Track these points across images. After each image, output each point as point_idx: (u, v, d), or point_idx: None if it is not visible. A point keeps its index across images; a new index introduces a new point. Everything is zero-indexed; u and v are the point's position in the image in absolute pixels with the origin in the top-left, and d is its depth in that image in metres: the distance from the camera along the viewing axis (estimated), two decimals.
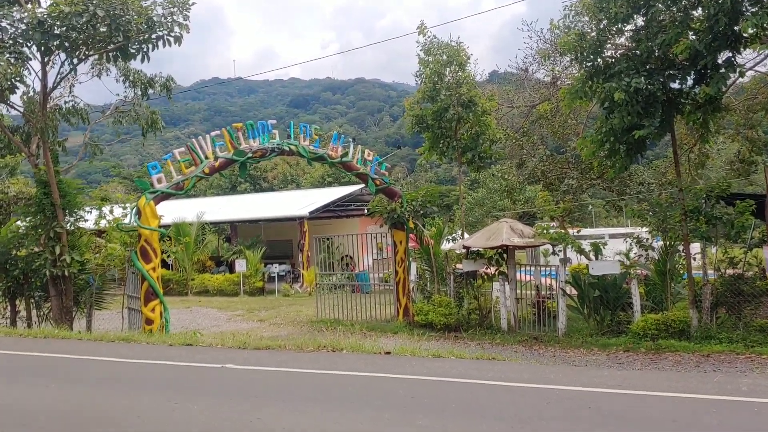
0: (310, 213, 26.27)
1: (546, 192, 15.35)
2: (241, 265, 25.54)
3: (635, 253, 15.08)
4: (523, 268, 19.78)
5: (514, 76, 21.80)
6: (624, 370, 8.39)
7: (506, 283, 14.20)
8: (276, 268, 26.16)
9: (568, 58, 19.81)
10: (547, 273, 15.38)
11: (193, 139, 13.32)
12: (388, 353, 7.72)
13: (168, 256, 28.33)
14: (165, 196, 12.81)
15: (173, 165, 13.02)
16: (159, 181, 12.73)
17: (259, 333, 16.08)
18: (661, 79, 11.16)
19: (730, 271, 12.74)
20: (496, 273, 15.09)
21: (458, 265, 15.46)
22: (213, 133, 13.56)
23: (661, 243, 13.90)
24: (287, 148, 14.24)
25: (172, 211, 29.28)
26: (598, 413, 5.38)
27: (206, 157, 13.17)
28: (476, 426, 5.07)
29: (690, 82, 11.52)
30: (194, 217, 27.85)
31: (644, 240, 13.36)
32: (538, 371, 7.27)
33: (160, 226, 12.96)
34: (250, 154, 13.63)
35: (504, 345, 12.82)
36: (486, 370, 6.98)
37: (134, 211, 12.90)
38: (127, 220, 14.26)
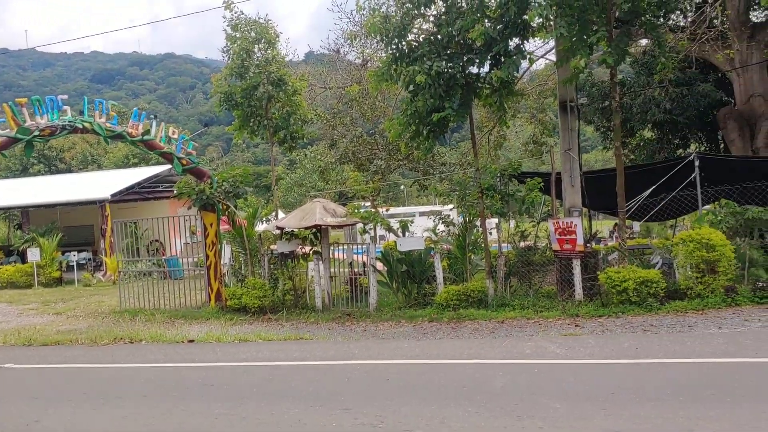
0: (113, 195, 24.44)
1: (357, 172, 15.65)
2: (34, 254, 23.14)
3: (441, 230, 15.96)
4: (339, 247, 20.12)
5: (327, 57, 21.93)
6: (426, 340, 8.82)
7: (320, 262, 14.29)
8: (75, 256, 24.03)
9: (376, 41, 20.42)
10: (362, 251, 15.74)
11: None
12: (192, 341, 7.36)
13: None
14: None
15: None
16: None
17: (55, 327, 14.65)
18: (461, 64, 11.78)
19: (522, 244, 13.97)
20: (311, 253, 15.14)
21: (273, 246, 15.27)
22: None
23: (456, 218, 14.88)
24: (80, 126, 13.02)
25: None
26: (396, 385, 5.56)
27: None
28: (274, 408, 4.99)
29: (486, 67, 12.28)
30: None
31: (447, 217, 14.18)
32: (343, 347, 7.36)
33: None
34: (36, 133, 12.29)
35: (318, 323, 12.90)
36: (292, 351, 6.93)
37: None
38: None
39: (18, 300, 20.21)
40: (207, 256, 15.45)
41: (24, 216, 28.63)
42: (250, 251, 15.34)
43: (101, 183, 27.45)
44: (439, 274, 13.10)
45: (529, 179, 13.05)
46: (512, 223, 14.96)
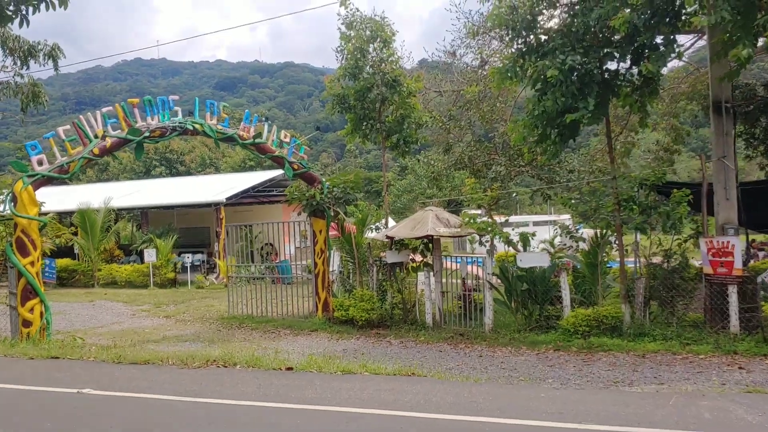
0: (227, 199, 24.67)
1: (473, 179, 14.47)
2: (150, 255, 23.72)
3: (560, 242, 14.46)
4: (449, 257, 19.02)
5: (442, 64, 20.86)
6: (565, 389, 7.36)
7: (431, 275, 13.28)
8: (189, 258, 24.42)
9: (496, 42, 19.14)
10: (473, 261, 14.59)
11: (81, 116, 11.67)
12: (290, 369, 6.52)
13: (70, 245, 26.24)
14: (46, 180, 11.18)
15: (57, 145, 11.38)
16: (40, 163, 11.09)
17: (162, 332, 14.62)
18: (598, 58, 10.38)
19: (658, 263, 12.25)
20: (421, 264, 14.17)
21: (382, 254, 14.43)
22: (104, 109, 11.94)
23: (584, 231, 13.28)
24: (191, 128, 12.76)
25: (78, 197, 27.06)
26: None
27: (96, 136, 11.58)
28: None
29: (627, 63, 10.79)
30: (101, 203, 25.69)
31: (573, 229, 12.71)
32: (464, 392, 6.19)
33: (40, 214, 11.31)
34: (147, 134, 12.11)
35: (428, 343, 11.88)
36: (403, 392, 5.89)
37: (9, 197, 11.19)
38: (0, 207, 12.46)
39: (133, 300, 20.65)
40: (315, 264, 14.86)
41: (143, 217, 29.66)
42: (359, 260, 14.57)
43: (217, 186, 27.90)
44: (566, 295, 11.68)
45: (675, 190, 11.36)
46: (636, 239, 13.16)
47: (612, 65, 11.17)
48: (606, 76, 10.84)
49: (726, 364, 8.73)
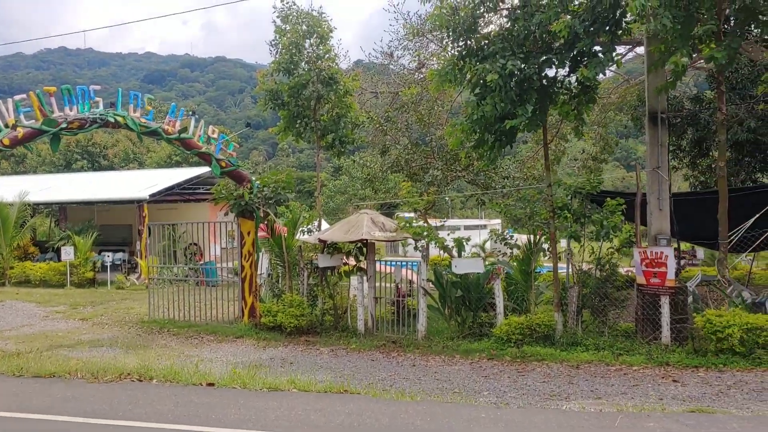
0: (151, 196, 23.51)
1: (409, 182, 14.15)
2: (67, 253, 22.29)
3: (490, 247, 14.37)
4: (382, 260, 18.70)
5: (379, 64, 20.51)
6: (500, 406, 7.02)
7: (364, 280, 12.89)
8: (109, 257, 23.14)
9: (434, 45, 18.96)
10: (407, 264, 14.31)
11: None
12: (212, 385, 5.94)
13: None
14: None
15: None
16: None
17: (77, 336, 13.65)
18: (537, 64, 10.24)
19: (587, 270, 12.28)
20: (354, 268, 13.75)
21: (314, 258, 13.92)
22: (17, 97, 10.95)
23: (516, 236, 13.21)
24: (112, 120, 11.90)
25: None
26: None
27: (6, 126, 10.60)
28: None
29: (566, 69, 10.72)
30: (15, 197, 24.01)
31: (507, 235, 12.60)
32: (399, 411, 5.79)
33: None
34: (64, 125, 11.18)
35: (360, 351, 11.48)
36: (335, 413, 5.45)
37: None
38: None
39: (48, 301, 19.35)
40: (242, 267, 14.21)
41: (62, 212, 28.01)
42: (289, 264, 14.02)
43: (141, 182, 26.60)
44: (500, 303, 11.52)
45: (608, 199, 11.39)
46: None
47: (551, 72, 11.11)
48: (544, 82, 10.74)
49: (660, 376, 8.71)
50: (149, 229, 21.95)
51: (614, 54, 10.16)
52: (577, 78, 10.68)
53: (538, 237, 11.84)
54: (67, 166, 46.99)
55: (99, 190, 26.73)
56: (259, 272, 15.81)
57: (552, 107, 11.17)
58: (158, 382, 6.15)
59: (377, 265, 14.47)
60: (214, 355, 11.44)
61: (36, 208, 29.54)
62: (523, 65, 10.08)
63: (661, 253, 10.35)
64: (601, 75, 10.48)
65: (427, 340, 11.89)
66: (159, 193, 24.33)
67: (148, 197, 23.50)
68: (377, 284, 13.55)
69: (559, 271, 11.73)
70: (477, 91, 10.75)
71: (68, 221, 27.11)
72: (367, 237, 12.18)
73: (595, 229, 11.15)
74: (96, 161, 49.97)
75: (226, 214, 14.22)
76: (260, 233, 14.79)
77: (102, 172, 38.61)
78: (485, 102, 10.31)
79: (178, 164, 41.20)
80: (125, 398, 5.68)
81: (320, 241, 13.14)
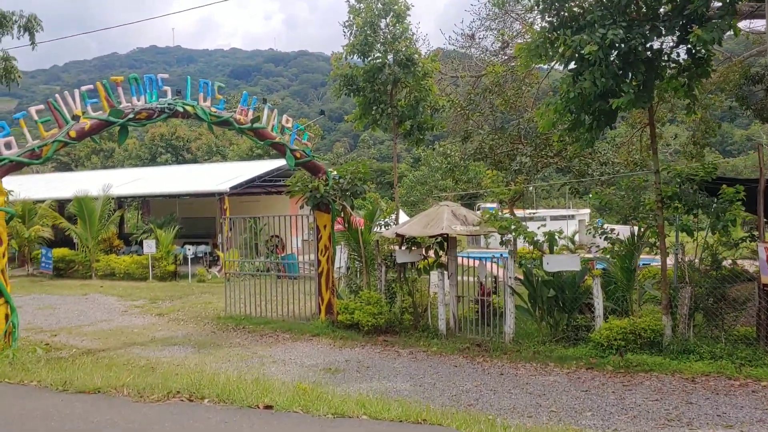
0: (231, 188, 23.40)
1: (494, 171, 12.98)
2: (149, 246, 22.53)
3: (593, 244, 13.05)
4: (463, 252, 17.66)
5: (460, 47, 19.34)
6: (604, 419, 5.97)
7: (446, 277, 11.95)
8: (190, 250, 23.22)
9: (518, 25, 17.66)
10: (491, 258, 13.25)
11: (57, 95, 10.39)
12: (269, 408, 5.20)
13: (68, 234, 25.16)
14: (14, 165, 9.93)
15: (29, 127, 10.15)
16: (8, 146, 9.86)
17: (152, 333, 13.45)
18: (642, 33, 8.94)
19: (701, 268, 10.83)
20: (434, 263, 12.83)
21: (393, 251, 13.11)
22: (84, 88, 10.64)
23: (609, 227, 11.83)
24: (181, 109, 11.44)
25: (76, 184, 25.94)
26: None
27: (73, 118, 10.31)
28: None
29: (674, 39, 9.34)
30: (100, 191, 24.53)
31: (608, 229, 11.29)
32: None
33: (7, 204, 10.11)
34: (131, 115, 10.80)
35: (441, 354, 10.57)
36: None
37: None
38: None
39: (129, 294, 19.52)
40: (318, 262, 13.57)
41: (144, 206, 28.52)
42: (366, 259, 13.26)
43: (223, 175, 26.65)
44: (599, 304, 10.30)
45: (724, 186, 9.91)
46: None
47: (656, 44, 9.75)
48: (650, 54, 9.41)
49: None
50: (231, 221, 21.96)
51: (733, 17, 8.72)
52: (687, 48, 9.31)
53: (643, 230, 10.53)
54: (153, 160, 48.39)
55: (181, 183, 27.00)
56: (337, 266, 15.19)
57: (659, 83, 9.80)
58: (209, 402, 5.41)
59: (459, 258, 13.50)
60: (288, 356, 10.84)
61: (122, 201, 30.31)
62: (626, 35, 8.81)
63: None
64: (721, 39, 9.01)
65: (516, 344, 10.82)
66: (239, 185, 24.22)
67: (228, 190, 23.40)
68: (459, 280, 12.59)
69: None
70: (573, 65, 9.55)
71: (151, 214, 27.57)
72: (448, 231, 11.23)
73: (710, 221, 9.72)
74: (180, 154, 51.17)
75: (302, 207, 13.62)
76: (337, 227, 14.14)
77: (185, 165, 39.37)
78: (583, 78, 9.10)
79: (259, 157, 41.39)
80: (170, 423, 4.96)
81: (398, 235, 12.29)
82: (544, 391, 7.98)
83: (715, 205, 9.56)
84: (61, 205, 27.34)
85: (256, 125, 12.42)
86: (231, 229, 21.84)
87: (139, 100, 10.99)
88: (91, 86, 10.66)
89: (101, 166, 48.07)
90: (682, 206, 9.80)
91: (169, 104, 11.33)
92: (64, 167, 48.59)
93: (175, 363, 10.55)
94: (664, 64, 9.61)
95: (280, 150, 12.99)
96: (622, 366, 9.15)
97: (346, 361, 10.32)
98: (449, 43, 19.43)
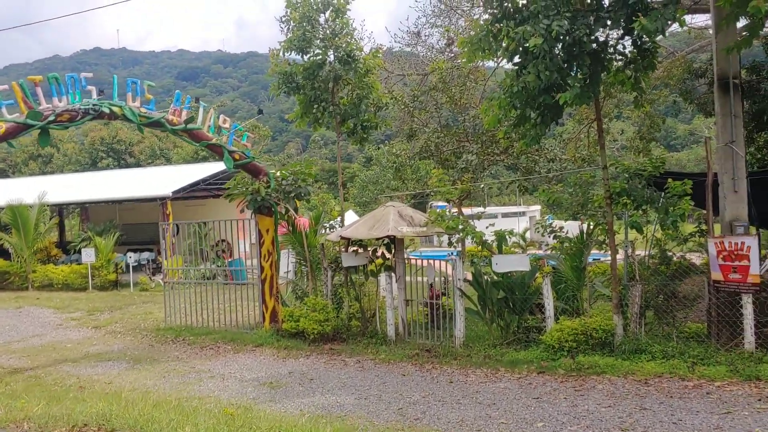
0: (174, 193, 22.50)
1: (440, 169, 12.54)
2: (88, 255, 21.47)
3: (530, 236, 12.78)
4: (416, 251, 17.27)
5: (405, 45, 18.91)
6: (555, 429, 5.61)
7: (393, 280, 11.51)
8: (131, 258, 22.24)
9: (463, 22, 17.34)
10: (444, 256, 12.87)
11: None
12: None
13: (1, 244, 23.83)
14: None
15: None
16: None
17: (87, 347, 12.68)
18: (588, 24, 8.66)
19: (650, 264, 10.67)
20: (381, 267, 12.38)
21: (343, 251, 12.60)
22: None
23: (556, 222, 11.59)
24: (107, 110, 10.69)
25: (12, 191, 24.62)
26: None
27: None
28: None
29: (620, 30, 9.09)
30: (35, 198, 23.28)
31: (555, 225, 11.03)
32: None
33: None
34: (52, 117, 10.01)
35: (389, 362, 10.12)
36: None
37: None
38: None
39: (66, 306, 18.54)
40: (261, 268, 12.96)
41: (83, 212, 27.30)
42: (311, 263, 12.72)
43: (166, 179, 25.67)
44: (549, 305, 10.01)
45: (670, 181, 9.74)
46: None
47: (601, 36, 9.50)
48: (595, 46, 9.15)
49: (754, 397, 7.07)
50: (177, 226, 21.13)
51: (676, 8, 8.51)
52: (633, 39, 9.11)
53: (591, 227, 10.29)
54: (93, 165, 46.56)
55: (121, 188, 25.92)
56: (284, 271, 14.59)
57: (605, 76, 9.55)
58: None
59: (411, 258, 13.08)
60: (227, 370, 10.24)
61: (63, 208, 28.96)
62: (571, 26, 8.51)
63: (743, 243, 8.68)
64: (665, 30, 8.79)
65: (466, 348, 10.46)
66: (183, 189, 23.32)
67: (171, 194, 22.50)
68: (408, 280, 12.18)
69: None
70: (516, 59, 9.21)
71: (91, 221, 26.35)
72: (394, 233, 10.79)
73: (659, 216, 9.53)
74: (122, 158, 49.34)
75: (242, 210, 12.98)
76: (282, 230, 13.56)
77: (127, 170, 37.92)
78: (527, 71, 8.77)
79: (205, 159, 40.24)
80: None
81: (343, 238, 11.79)
82: (495, 400, 7.60)
83: (663, 200, 9.36)
84: None
85: (190, 126, 11.75)
86: (176, 234, 21.03)
87: (60, 101, 10.21)
88: (5, 86, 9.82)
89: (39, 172, 46.08)
90: (630, 202, 9.59)
91: (93, 105, 10.57)
92: (1, 173, 46.46)
93: (107, 381, 9.91)
94: (609, 56, 9.36)
95: (216, 152, 12.33)
96: (573, 369, 8.86)
97: (290, 373, 9.78)
98: (395, 41, 19.03)
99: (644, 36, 8.62)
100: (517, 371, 9.02)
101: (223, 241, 22.96)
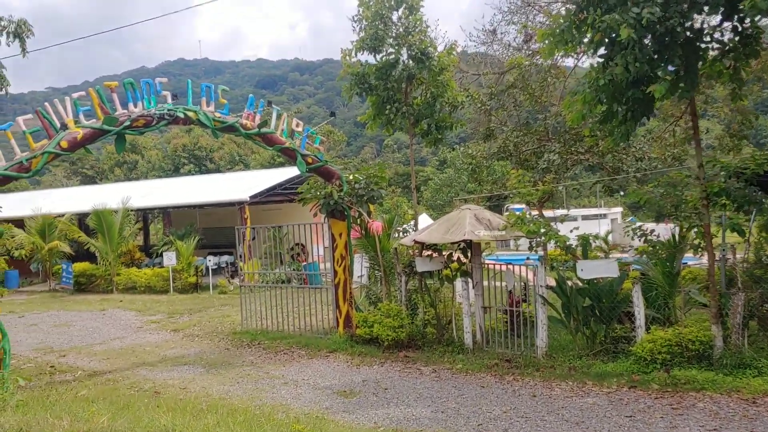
0: (251, 197, 22.82)
1: (520, 170, 11.93)
2: (169, 258, 22.04)
3: (629, 246, 12.02)
4: (493, 254, 16.70)
5: (481, 45, 18.35)
6: None
7: (470, 286, 11.06)
8: (210, 261, 22.67)
9: (542, 17, 16.65)
10: (524, 260, 12.29)
11: (46, 104, 9.76)
12: None
13: (86, 248, 24.83)
14: (1, 180, 9.33)
15: (17, 138, 9.55)
16: None
17: (164, 351, 12.85)
18: (681, 11, 7.96)
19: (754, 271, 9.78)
20: (457, 272, 11.94)
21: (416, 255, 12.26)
22: (76, 95, 10.01)
23: (647, 226, 10.79)
24: (182, 115, 10.75)
25: (98, 197, 25.64)
26: None
27: (65, 127, 9.68)
28: None
29: (719, 16, 8.34)
30: (119, 203, 24.14)
31: (647, 230, 10.29)
32: None
33: None
34: (128, 123, 10.15)
35: (467, 373, 9.68)
36: None
37: None
38: None
39: (148, 308, 19.05)
40: (335, 272, 12.78)
41: (165, 217, 28.14)
42: (385, 268, 12.44)
43: (244, 184, 26.14)
44: (640, 313, 9.31)
45: None
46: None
47: (695, 24, 8.75)
48: (689, 34, 8.42)
49: None
50: (255, 230, 21.42)
51: None
52: (734, 25, 8.32)
53: (685, 230, 9.53)
54: (176, 171, 48.23)
55: (200, 193, 26.53)
56: (357, 275, 14.40)
57: (701, 66, 8.78)
58: None
59: (487, 263, 12.56)
60: (301, 376, 10.08)
61: (147, 213, 29.95)
62: (663, 13, 7.84)
63: None
64: None
65: (549, 359, 9.89)
66: (260, 194, 23.66)
67: (248, 198, 22.85)
68: (486, 285, 11.70)
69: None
70: (602, 51, 8.60)
71: (172, 225, 27.13)
72: (471, 237, 10.33)
73: (765, 218, 8.69)
74: (203, 164, 50.85)
75: (316, 214, 12.86)
76: (355, 234, 13.37)
77: (206, 175, 39.00)
78: (614, 63, 8.16)
79: (281, 165, 40.97)
80: None
81: (416, 242, 11.43)
82: (583, 418, 7.05)
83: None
84: (81, 218, 27.09)
85: (263, 130, 11.69)
86: (254, 238, 21.28)
87: (136, 107, 10.35)
88: (83, 92, 10.04)
89: (125, 179, 48.13)
90: (730, 203, 8.78)
91: (168, 110, 10.64)
92: (89, 180, 48.90)
93: (182, 386, 9.93)
94: (706, 45, 8.61)
95: (290, 155, 12.24)
96: (668, 384, 8.17)
97: (363, 381, 9.51)
98: (470, 40, 18.54)
99: (747, 19, 7.82)
100: (606, 385, 8.40)
101: (298, 244, 23.12)
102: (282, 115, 12.14)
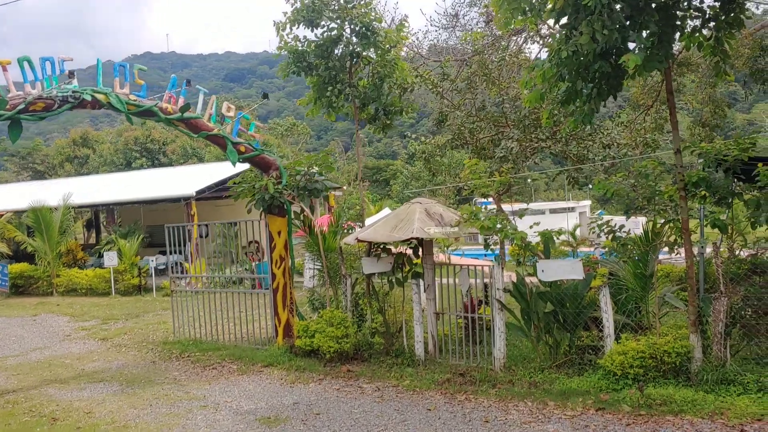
0: (198, 192, 21.30)
1: (474, 159, 10.63)
2: (110, 258, 20.42)
3: (596, 243, 10.90)
4: (457, 250, 15.47)
5: (443, 29, 17.13)
6: None
7: (422, 289, 9.84)
8: (153, 262, 21.12)
9: None
10: (484, 255, 11.10)
11: None
12: None
13: (23, 248, 23.13)
14: None
15: None
16: None
17: (83, 364, 11.47)
18: None
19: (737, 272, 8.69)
20: (408, 272, 10.67)
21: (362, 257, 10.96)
22: None
23: (615, 221, 9.66)
24: (89, 98, 9.32)
25: (40, 194, 23.87)
26: None
27: None
28: None
29: None
30: (60, 201, 22.43)
31: (615, 224, 9.13)
32: None
33: None
34: (23, 106, 8.69)
35: (414, 391, 8.44)
36: None
37: None
38: None
39: (83, 313, 17.55)
40: (273, 275, 11.44)
41: (109, 215, 26.45)
42: (329, 270, 11.14)
43: (192, 178, 24.55)
44: (609, 321, 8.17)
45: (761, 165, 7.74)
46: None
47: None
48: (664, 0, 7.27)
49: None
50: (206, 228, 20.02)
51: None
52: None
53: (659, 225, 8.40)
54: (128, 165, 46.08)
55: (147, 188, 24.89)
56: (309, 277, 13.12)
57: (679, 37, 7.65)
58: None
59: (448, 256, 11.22)
60: (224, 398, 8.75)
61: (93, 210, 28.19)
62: None
63: None
64: None
65: (508, 372, 8.71)
66: (208, 188, 22.11)
67: (194, 194, 21.33)
68: (444, 283, 10.48)
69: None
70: (565, 20, 7.40)
71: (116, 223, 25.46)
72: (420, 234, 9.09)
73: (748, 211, 7.58)
74: (156, 158, 48.67)
75: (250, 210, 11.47)
76: (301, 232, 12.07)
77: (155, 169, 37.14)
78: (579, 32, 6.96)
79: None
80: None
81: (360, 240, 10.14)
82: None
83: (755, 191, 7.41)
84: (20, 216, 25.32)
85: (187, 114, 10.28)
86: (207, 235, 19.84)
87: (34, 88, 8.89)
88: None
89: (75, 173, 45.90)
90: (710, 195, 7.67)
91: (74, 92, 9.19)
92: (39, 176, 46.55)
93: (86, 410, 8.59)
94: (684, 11, 7.46)
95: (219, 144, 10.85)
96: (642, 405, 7.02)
97: (294, 404, 8.22)
98: (431, 24, 17.31)
99: None
100: (570, 406, 7.22)
101: (255, 242, 21.71)
102: (211, 98, 10.75)
